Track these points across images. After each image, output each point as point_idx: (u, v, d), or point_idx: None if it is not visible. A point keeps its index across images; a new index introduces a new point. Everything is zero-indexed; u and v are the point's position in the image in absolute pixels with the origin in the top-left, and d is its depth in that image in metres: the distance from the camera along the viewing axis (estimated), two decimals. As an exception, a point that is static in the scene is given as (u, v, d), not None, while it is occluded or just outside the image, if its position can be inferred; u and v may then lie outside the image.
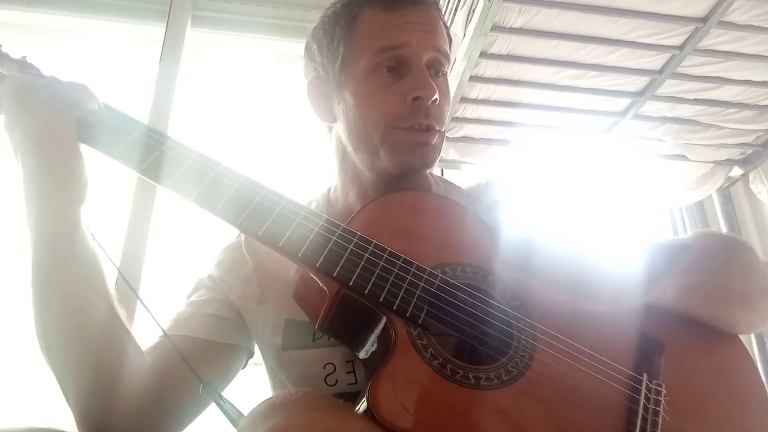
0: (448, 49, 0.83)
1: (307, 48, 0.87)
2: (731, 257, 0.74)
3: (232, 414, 0.63)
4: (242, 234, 0.85)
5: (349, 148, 0.82)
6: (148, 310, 0.72)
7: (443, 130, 0.80)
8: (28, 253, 0.65)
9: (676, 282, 0.69)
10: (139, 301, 0.74)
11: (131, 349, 0.70)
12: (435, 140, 0.78)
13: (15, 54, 0.72)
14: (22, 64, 0.71)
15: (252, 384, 0.88)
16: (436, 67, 0.80)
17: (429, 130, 0.77)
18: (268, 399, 0.55)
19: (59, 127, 0.65)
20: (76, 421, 0.67)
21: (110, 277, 0.70)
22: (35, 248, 0.65)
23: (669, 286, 0.69)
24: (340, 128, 0.82)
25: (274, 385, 0.83)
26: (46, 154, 0.64)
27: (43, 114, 0.65)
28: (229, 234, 0.89)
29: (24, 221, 0.65)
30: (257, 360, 0.84)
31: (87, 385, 0.66)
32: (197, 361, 0.71)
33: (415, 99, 0.76)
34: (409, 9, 0.78)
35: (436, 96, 0.76)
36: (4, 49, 0.71)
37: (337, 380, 0.74)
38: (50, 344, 0.65)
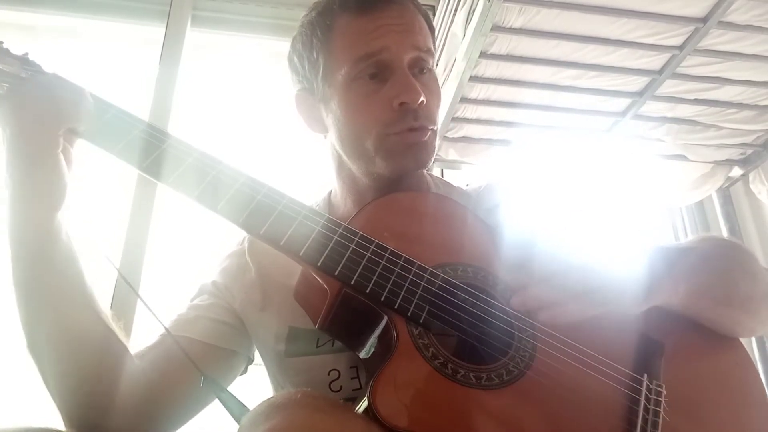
0: (431, 44, 0.80)
1: (290, 60, 0.86)
2: (734, 262, 0.74)
3: (234, 408, 0.62)
4: (246, 240, 0.86)
5: (345, 157, 0.81)
6: (148, 308, 0.72)
7: (436, 127, 0.79)
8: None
9: (680, 285, 0.68)
10: (139, 301, 0.74)
11: (117, 348, 0.70)
12: (427, 138, 0.77)
13: (16, 51, 0.72)
14: (24, 61, 0.71)
15: (254, 385, 0.88)
16: (420, 65, 0.78)
17: (420, 129, 0.76)
18: (269, 399, 0.55)
19: (43, 136, 0.64)
20: (63, 421, 0.67)
21: (105, 280, 0.69)
22: (11, 248, 0.65)
23: (672, 288, 0.68)
24: (333, 138, 0.82)
25: (276, 390, 0.83)
26: (24, 160, 0.64)
27: (29, 121, 0.64)
28: (230, 234, 0.89)
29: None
30: (259, 360, 0.84)
31: (73, 388, 0.67)
32: (197, 363, 0.71)
33: (402, 104, 0.74)
34: (384, 10, 0.76)
35: (422, 98, 0.74)
36: (5, 46, 0.71)
37: (341, 386, 0.74)
38: (33, 347, 0.67)
